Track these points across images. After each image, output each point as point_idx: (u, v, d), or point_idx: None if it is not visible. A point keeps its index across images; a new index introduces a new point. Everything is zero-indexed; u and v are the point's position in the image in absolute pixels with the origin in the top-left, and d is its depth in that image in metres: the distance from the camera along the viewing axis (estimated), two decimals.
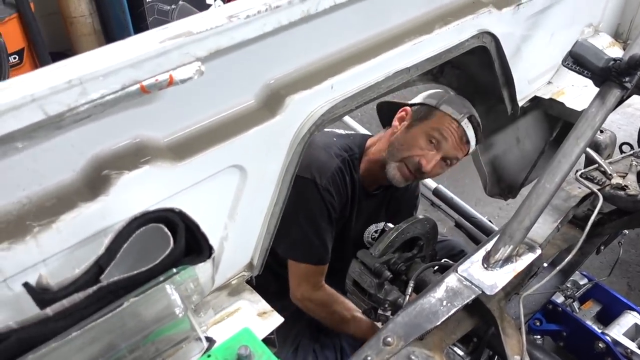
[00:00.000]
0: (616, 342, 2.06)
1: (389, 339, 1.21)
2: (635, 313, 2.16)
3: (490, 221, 2.66)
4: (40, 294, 0.81)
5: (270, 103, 1.15)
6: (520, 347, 1.29)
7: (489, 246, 1.36)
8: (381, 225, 2.12)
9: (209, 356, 0.92)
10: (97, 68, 0.82)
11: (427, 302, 1.27)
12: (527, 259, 1.36)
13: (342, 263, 1.68)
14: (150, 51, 0.87)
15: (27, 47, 3.45)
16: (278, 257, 1.88)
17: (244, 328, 0.98)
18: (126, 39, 0.90)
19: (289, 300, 1.92)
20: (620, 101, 2.37)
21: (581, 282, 2.29)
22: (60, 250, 0.94)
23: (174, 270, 0.86)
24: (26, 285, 0.81)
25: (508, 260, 1.34)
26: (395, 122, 1.89)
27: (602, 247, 2.10)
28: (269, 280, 1.98)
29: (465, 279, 1.30)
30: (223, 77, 1.06)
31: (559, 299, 2.25)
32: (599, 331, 2.10)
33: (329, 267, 1.90)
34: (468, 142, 1.80)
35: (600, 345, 2.04)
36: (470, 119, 1.78)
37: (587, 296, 2.32)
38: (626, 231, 2.13)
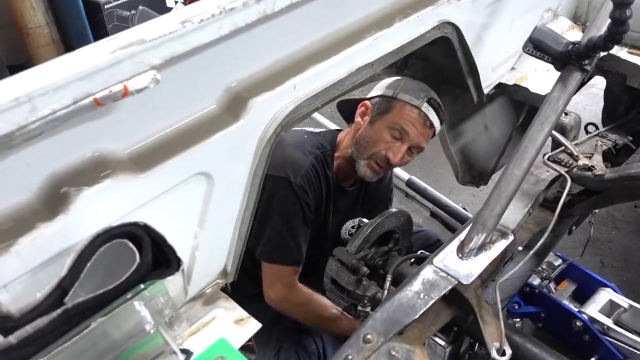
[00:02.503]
0: (593, 320, 2.10)
1: (369, 336, 1.20)
2: (609, 290, 2.21)
3: (464, 209, 2.69)
4: (0, 322, 0.78)
5: (233, 107, 1.12)
6: (499, 334, 1.30)
7: (462, 236, 1.37)
8: (357, 220, 2.11)
9: None
10: (45, 83, 0.79)
11: (405, 296, 1.26)
12: (501, 245, 1.37)
13: (321, 262, 1.67)
14: (102, 62, 0.83)
15: None
16: (255, 259, 1.86)
17: (219, 338, 0.96)
18: (75, 51, 0.86)
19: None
20: (582, 83, 2.42)
21: (556, 263, 2.33)
22: (21, 274, 0.90)
23: (142, 286, 0.84)
24: None
25: (482, 248, 1.34)
26: (357, 118, 1.89)
27: (574, 228, 2.13)
28: (247, 284, 1.96)
29: (441, 270, 1.30)
30: (181, 84, 1.03)
31: (536, 281, 2.29)
32: (576, 310, 2.15)
33: (308, 266, 1.89)
34: (432, 125, 1.80)
35: (577, 323, 2.09)
36: (430, 101, 1.77)
37: (562, 276, 2.36)
38: (596, 210, 2.16)
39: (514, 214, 1.46)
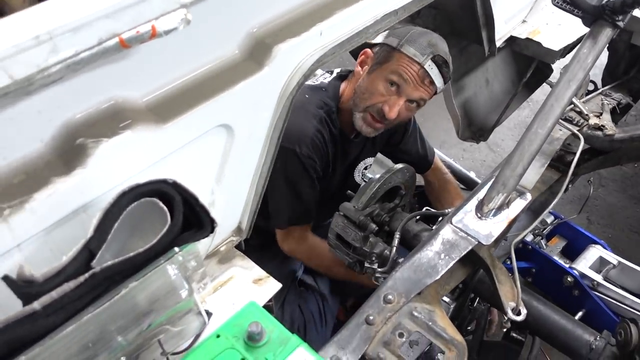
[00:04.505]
0: (583, 275, 2.14)
1: (390, 297, 1.18)
2: (599, 246, 2.24)
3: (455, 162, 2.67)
4: (23, 287, 0.71)
5: (257, 54, 1.03)
6: (514, 293, 1.30)
7: (481, 195, 1.34)
8: (369, 160, 2.07)
9: (217, 336, 0.85)
10: (68, 20, 0.69)
11: (425, 256, 1.24)
12: (519, 205, 1.35)
13: (328, 210, 1.63)
14: None
15: None
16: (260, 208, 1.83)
17: (250, 302, 0.91)
18: None
19: (272, 252, 1.88)
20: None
21: (548, 220, 2.35)
22: (36, 232, 0.82)
23: (176, 249, 0.78)
24: (6, 278, 0.70)
25: (501, 208, 1.32)
26: (357, 68, 1.80)
27: (570, 186, 2.14)
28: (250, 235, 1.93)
29: (461, 230, 1.28)
30: (204, 26, 0.93)
31: (528, 237, 2.31)
32: (567, 266, 2.18)
33: (317, 215, 1.88)
34: (432, 82, 1.70)
35: (568, 279, 2.11)
36: (435, 58, 1.65)
37: (553, 233, 2.39)
38: None
39: (532, 174, 1.44)
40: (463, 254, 1.24)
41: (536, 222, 1.41)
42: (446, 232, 1.28)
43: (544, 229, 2.33)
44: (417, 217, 1.67)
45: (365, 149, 2.01)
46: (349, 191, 1.74)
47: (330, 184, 1.97)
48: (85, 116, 0.86)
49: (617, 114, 1.99)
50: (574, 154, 1.83)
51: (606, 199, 2.84)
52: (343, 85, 1.90)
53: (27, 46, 0.66)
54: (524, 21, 1.89)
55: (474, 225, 1.29)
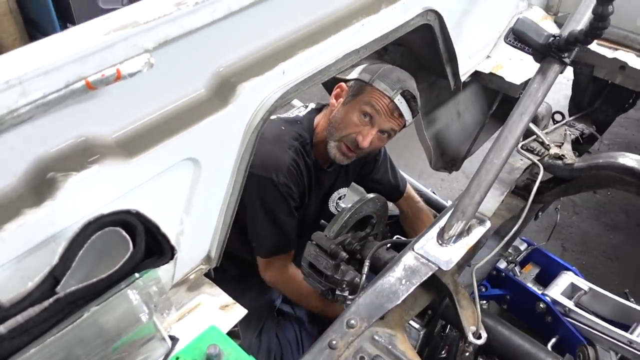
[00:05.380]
0: (555, 302, 2.19)
1: (352, 321, 1.22)
2: (570, 273, 2.30)
3: (433, 192, 2.74)
4: None
5: (222, 92, 1.11)
6: (475, 318, 1.34)
7: (442, 223, 1.40)
8: (343, 190, 2.14)
9: (177, 358, 0.89)
10: (37, 65, 0.76)
11: (387, 282, 1.29)
12: (479, 232, 1.41)
13: (302, 242, 1.69)
14: (95, 44, 0.81)
15: None
16: (234, 241, 1.87)
17: (210, 326, 0.96)
18: (66, 31, 0.83)
19: (249, 283, 1.93)
20: None
21: (521, 247, 2.41)
22: (6, 261, 0.87)
23: (137, 275, 0.83)
24: None
25: (461, 235, 1.38)
26: (332, 100, 1.90)
27: (540, 213, 2.21)
28: (227, 265, 1.98)
29: (422, 256, 1.33)
30: (171, 67, 1.01)
31: (502, 264, 2.36)
32: (539, 292, 2.23)
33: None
34: (402, 115, 1.80)
35: (541, 305, 2.17)
36: (404, 93, 1.77)
37: (526, 260, 2.45)
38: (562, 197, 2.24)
39: (491, 202, 1.51)
40: (423, 279, 1.29)
41: (497, 249, 1.46)
42: (408, 259, 1.34)
43: (518, 255, 2.39)
44: (388, 245, 1.73)
45: (338, 179, 2.08)
46: (322, 221, 1.80)
47: (306, 215, 2.03)
48: (57, 152, 0.92)
49: (581, 144, 2.08)
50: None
51: (580, 227, 2.91)
52: (317, 118, 1.99)
53: None
54: (488, 57, 1.99)
55: (434, 251, 1.34)
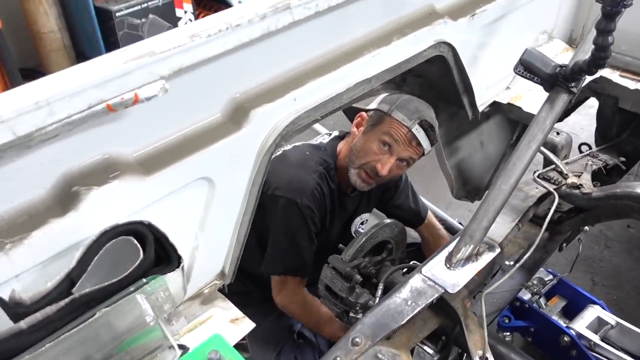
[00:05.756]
0: (580, 335, 2.15)
1: (357, 340, 1.26)
2: (597, 307, 2.25)
3: (460, 223, 2.74)
4: (13, 307, 0.84)
5: (236, 116, 1.19)
6: (482, 342, 1.35)
7: (451, 247, 1.42)
8: (366, 216, 2.19)
9: None
10: (63, 89, 0.86)
11: (393, 302, 1.32)
12: (487, 257, 1.43)
13: (322, 266, 1.73)
14: (115, 71, 0.91)
15: None
16: (260, 265, 1.94)
17: (214, 334, 1.02)
18: (91, 60, 0.94)
19: (272, 305, 1.97)
20: (578, 103, 2.48)
21: (547, 279, 2.38)
22: (32, 265, 0.97)
23: (144, 280, 0.90)
24: None
25: (469, 259, 1.40)
26: (353, 129, 1.97)
27: (564, 245, 2.19)
28: (252, 288, 2.05)
29: (429, 279, 1.36)
30: (188, 93, 1.10)
31: (526, 296, 2.34)
32: (564, 325, 2.19)
33: (315, 271, 1.97)
34: (420, 144, 1.85)
35: (565, 339, 2.13)
36: (422, 123, 1.82)
37: (553, 292, 2.41)
38: (587, 228, 2.22)
39: (502, 228, 1.52)
40: (430, 301, 1.32)
41: (507, 275, 1.47)
42: (415, 281, 1.37)
43: (542, 287, 2.36)
44: (404, 270, 1.76)
45: (361, 205, 2.13)
46: (340, 245, 1.85)
47: (329, 238, 2.08)
48: (82, 168, 1.02)
49: (606, 175, 2.06)
50: (559, 212, 1.91)
51: (612, 260, 2.83)
52: (340, 145, 2.06)
53: (28, 110, 0.83)
54: (507, 88, 2.02)
55: (442, 274, 1.37)
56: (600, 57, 1.21)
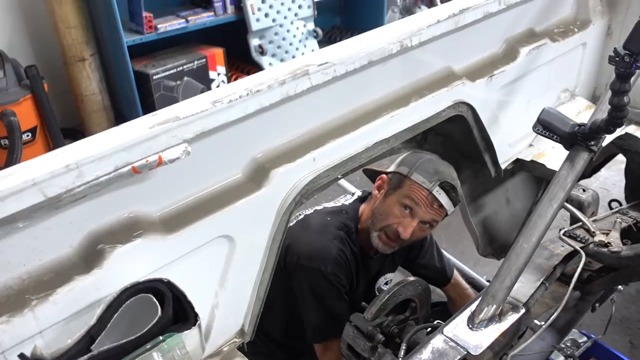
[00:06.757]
0: None
1: None
2: None
3: (488, 281, 2.68)
4: None
5: (256, 176, 1.23)
6: None
7: (473, 307, 1.40)
8: (390, 276, 2.16)
9: None
10: (92, 152, 0.92)
11: None
12: (512, 318, 1.39)
13: None
14: (141, 136, 0.96)
15: (39, 124, 3.62)
16: (288, 333, 1.93)
17: None
18: (120, 126, 1.00)
19: None
20: (606, 159, 2.45)
21: (581, 341, 2.28)
22: (56, 321, 1.00)
23: (161, 338, 0.92)
24: (21, 356, 0.87)
25: (492, 319, 1.37)
26: (374, 192, 1.97)
27: (597, 305, 2.11)
28: (274, 349, 2.04)
29: (451, 339, 1.33)
30: (211, 155, 1.15)
31: (559, 358, 2.24)
32: None
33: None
34: (442, 206, 1.82)
35: None
36: (442, 185, 1.79)
37: (588, 355, 2.30)
38: (621, 287, 2.14)
39: (526, 287, 1.49)
40: None
41: (535, 336, 1.43)
42: (437, 341, 1.34)
43: (577, 349, 2.26)
44: (428, 330, 1.72)
45: (385, 265, 2.12)
46: (363, 303, 1.83)
47: (354, 300, 2.06)
48: (108, 226, 1.06)
49: (636, 232, 2.01)
50: (589, 270, 1.86)
51: None
52: (362, 207, 2.07)
53: (59, 172, 0.88)
54: (530, 145, 2.03)
55: (464, 335, 1.34)
56: (617, 116, 1.22)
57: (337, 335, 1.92)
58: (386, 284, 2.18)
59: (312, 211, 2.04)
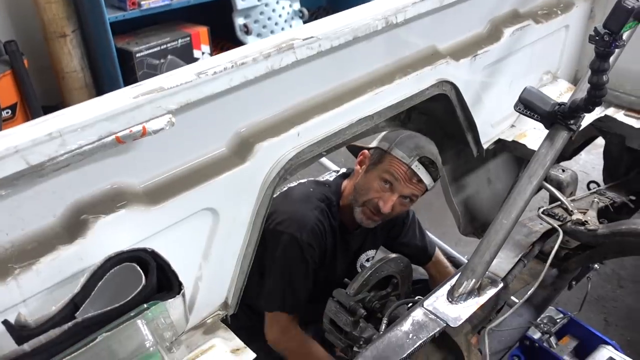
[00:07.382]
0: None
1: None
2: (609, 347, 2.20)
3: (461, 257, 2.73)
4: (18, 330, 0.88)
5: (240, 150, 1.24)
6: None
7: (453, 281, 1.43)
8: (371, 252, 2.19)
9: None
10: (75, 121, 0.91)
11: (394, 335, 1.32)
12: (490, 292, 1.43)
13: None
14: (125, 105, 0.96)
15: (19, 101, 3.56)
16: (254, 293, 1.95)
17: None
18: (103, 96, 0.99)
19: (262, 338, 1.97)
20: (586, 142, 2.50)
21: (557, 318, 2.34)
22: (39, 290, 1.00)
23: (145, 305, 0.93)
24: (5, 322, 0.87)
25: (471, 293, 1.40)
26: (356, 167, 1.99)
27: (574, 283, 2.16)
28: (255, 321, 2.06)
29: (431, 312, 1.36)
30: (195, 127, 1.15)
31: (536, 335, 2.29)
32: None
33: (316, 311, 1.97)
34: (421, 180, 1.85)
35: None
36: (421, 159, 1.82)
37: (564, 332, 2.36)
38: (597, 266, 2.19)
39: (505, 263, 1.53)
40: (431, 334, 1.32)
41: (512, 310, 1.47)
42: (417, 314, 1.37)
43: (553, 326, 2.32)
44: (409, 305, 1.76)
45: (366, 242, 2.14)
46: (346, 279, 1.85)
47: (333, 275, 2.09)
48: (91, 197, 1.06)
49: (614, 213, 2.05)
50: (566, 248, 1.91)
51: (625, 301, 2.78)
52: (345, 183, 2.09)
53: (41, 140, 0.88)
54: (512, 126, 2.06)
55: (444, 308, 1.37)
56: (596, 95, 1.24)
57: (287, 311, 1.93)
58: (368, 260, 2.21)
59: (296, 183, 2.06)
